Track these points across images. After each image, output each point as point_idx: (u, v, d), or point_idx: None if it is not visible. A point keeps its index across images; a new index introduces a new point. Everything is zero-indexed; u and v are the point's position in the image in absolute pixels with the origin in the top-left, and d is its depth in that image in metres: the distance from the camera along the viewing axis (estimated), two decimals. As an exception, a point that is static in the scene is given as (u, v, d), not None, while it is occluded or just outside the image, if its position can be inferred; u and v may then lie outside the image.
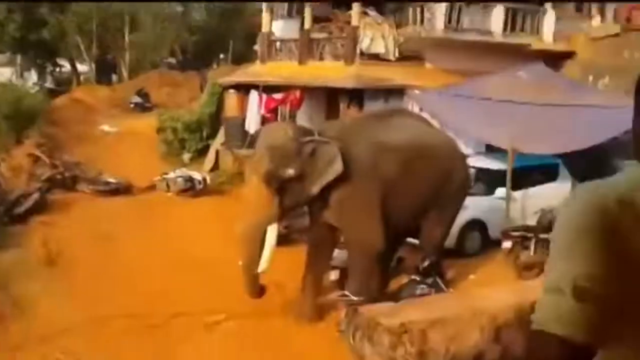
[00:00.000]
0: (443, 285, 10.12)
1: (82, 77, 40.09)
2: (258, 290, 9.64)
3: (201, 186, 17.37)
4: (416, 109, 15.03)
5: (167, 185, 17.47)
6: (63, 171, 17.28)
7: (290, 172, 9.00)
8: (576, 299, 1.29)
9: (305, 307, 10.03)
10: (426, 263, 10.06)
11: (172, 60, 43.14)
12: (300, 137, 9.32)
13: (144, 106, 30.45)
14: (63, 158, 18.45)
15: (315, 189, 9.23)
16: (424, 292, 9.77)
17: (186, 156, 21.16)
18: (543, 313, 1.34)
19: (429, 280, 9.97)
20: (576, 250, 1.33)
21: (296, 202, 9.54)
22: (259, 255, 9.28)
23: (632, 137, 1.48)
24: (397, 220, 9.94)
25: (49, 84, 39.62)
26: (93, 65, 38.47)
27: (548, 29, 17.56)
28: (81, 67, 40.71)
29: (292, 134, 9.33)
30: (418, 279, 10.09)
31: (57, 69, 43.50)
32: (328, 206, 9.49)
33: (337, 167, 9.14)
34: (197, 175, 17.65)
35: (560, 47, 17.63)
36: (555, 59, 17.14)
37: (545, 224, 11.79)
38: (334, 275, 10.95)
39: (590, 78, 16.79)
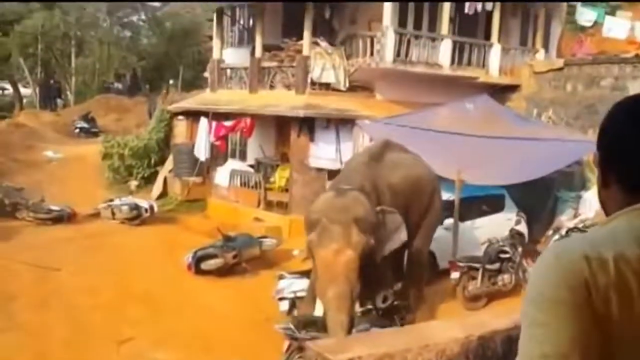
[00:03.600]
0: None
1: (25, 101, 39.15)
2: None
3: (148, 214, 17.04)
4: (366, 139, 15.18)
5: (112, 213, 17.10)
6: (2, 198, 16.72)
7: (372, 242, 8.90)
8: None
9: None
10: (386, 304, 9.71)
11: (120, 86, 42.59)
12: (373, 206, 9.24)
13: (90, 131, 29.92)
14: (3, 184, 17.84)
15: (381, 255, 9.27)
16: None
17: (133, 183, 20.79)
18: None
19: (385, 323, 9.44)
20: (545, 327, 1.28)
21: (365, 268, 9.15)
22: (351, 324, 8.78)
23: (599, 199, 1.48)
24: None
25: (-10, 108, 38.53)
26: (37, 89, 37.63)
27: (494, 62, 18.01)
28: (24, 91, 39.82)
29: (368, 204, 9.12)
30: (374, 314, 9.77)
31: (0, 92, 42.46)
32: None
33: (403, 236, 9.39)
34: (143, 203, 17.32)
35: (506, 80, 18.11)
36: (501, 92, 17.59)
37: (492, 255, 11.97)
38: (283, 306, 10.84)
39: (535, 111, 17.27)
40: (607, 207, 1.46)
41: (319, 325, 9.47)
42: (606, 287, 1.26)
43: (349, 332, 8.69)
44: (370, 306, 9.95)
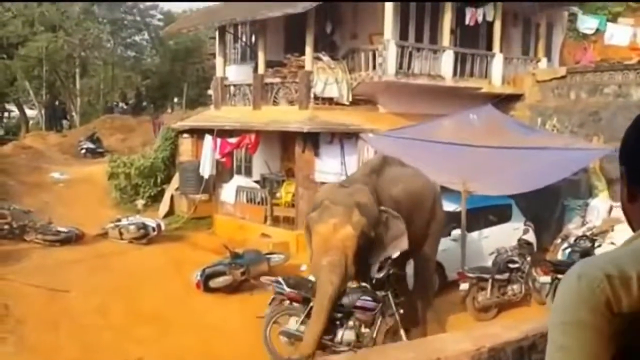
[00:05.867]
0: (393, 304, 9.39)
1: (31, 123, 39.41)
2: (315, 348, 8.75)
3: (155, 233, 17.06)
4: (371, 152, 15.20)
5: (120, 233, 17.12)
6: (11, 221, 16.76)
7: (372, 234, 8.93)
8: None
9: None
10: (381, 274, 9.55)
11: (125, 105, 42.85)
12: (377, 204, 9.30)
13: (96, 152, 30.04)
14: (11, 207, 17.90)
15: (376, 260, 9.23)
16: (366, 304, 9.29)
17: (140, 202, 20.82)
18: None
19: (380, 294, 9.46)
20: (566, 350, 1.25)
21: (356, 268, 9.12)
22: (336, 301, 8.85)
23: (624, 214, 1.45)
24: (397, 260, 10.02)
25: (-3, 130, 38.83)
26: (43, 111, 37.86)
27: (497, 72, 18.05)
28: (30, 113, 40.07)
29: (372, 197, 9.23)
30: (368, 287, 9.63)
31: (5, 115, 42.70)
32: None
33: (403, 245, 9.23)
34: (150, 222, 17.35)
35: (509, 89, 18.13)
36: (504, 102, 17.61)
37: (501, 265, 11.94)
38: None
39: (539, 119, 17.28)
40: (634, 222, 1.42)
41: (307, 288, 9.61)
42: (629, 305, 1.23)
43: (338, 297, 8.83)
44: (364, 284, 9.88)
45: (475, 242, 13.30)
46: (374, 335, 9.20)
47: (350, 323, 9.23)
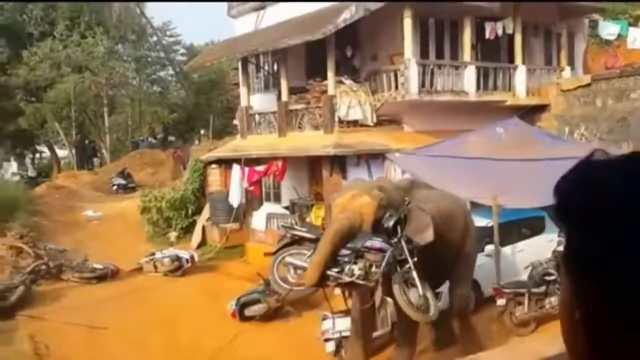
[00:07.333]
0: (407, 251, 9.02)
1: (62, 162, 40.14)
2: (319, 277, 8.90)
3: (189, 264, 17.21)
4: (398, 172, 15.18)
5: (155, 266, 17.29)
6: (47, 261, 17.02)
7: (388, 216, 9.03)
8: None
9: None
10: (391, 222, 9.14)
11: (153, 140, 43.49)
12: (402, 194, 9.58)
13: (127, 187, 30.50)
14: (47, 247, 18.21)
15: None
16: (375, 244, 8.98)
17: (173, 235, 21.03)
18: None
19: (392, 240, 9.09)
20: None
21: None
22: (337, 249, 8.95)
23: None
24: (429, 280, 9.88)
25: (29, 172, 39.58)
26: (73, 150, 38.57)
27: (520, 84, 17.96)
28: (61, 152, 40.83)
29: (395, 189, 9.66)
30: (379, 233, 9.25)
31: (37, 156, 43.56)
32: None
33: (429, 236, 9.18)
34: (184, 254, 17.51)
35: (534, 101, 18.01)
36: (530, 113, 17.49)
37: (537, 278, 11.78)
38: (329, 347, 10.81)
39: (567, 129, 17.10)
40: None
41: (318, 233, 9.91)
42: None
43: (347, 237, 8.90)
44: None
45: (510, 256, 13.16)
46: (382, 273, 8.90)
47: (360, 262, 8.96)
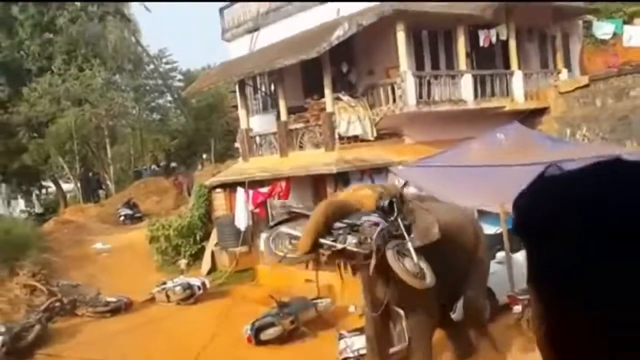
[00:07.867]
0: (403, 227, 9.13)
1: (68, 196, 40.19)
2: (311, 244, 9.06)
3: (201, 291, 17.20)
4: (401, 184, 15.17)
5: (167, 296, 17.28)
6: (61, 297, 17.03)
7: (385, 197, 9.21)
8: None
9: None
10: (386, 202, 9.24)
11: (156, 167, 43.55)
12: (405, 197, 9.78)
13: (134, 217, 30.51)
14: (60, 283, 18.23)
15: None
16: (371, 219, 9.09)
17: (182, 262, 21.00)
18: None
19: (389, 218, 9.19)
20: None
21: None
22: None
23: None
24: (442, 293, 9.94)
25: (36, 208, 39.64)
26: (78, 184, 38.65)
27: (518, 89, 18.02)
28: (66, 186, 40.87)
29: (399, 190, 9.98)
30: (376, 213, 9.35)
31: (43, 191, 43.62)
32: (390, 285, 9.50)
33: (433, 235, 9.22)
34: (195, 281, 17.50)
35: (533, 104, 18.06)
36: (530, 117, 17.52)
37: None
38: None
39: (568, 131, 17.12)
40: None
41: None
42: None
43: (342, 212, 9.10)
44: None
45: (521, 262, 13.10)
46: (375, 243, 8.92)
47: (355, 235, 9.03)
